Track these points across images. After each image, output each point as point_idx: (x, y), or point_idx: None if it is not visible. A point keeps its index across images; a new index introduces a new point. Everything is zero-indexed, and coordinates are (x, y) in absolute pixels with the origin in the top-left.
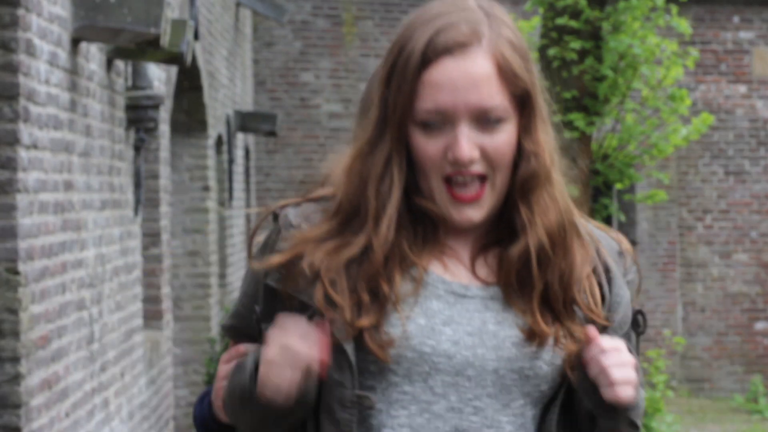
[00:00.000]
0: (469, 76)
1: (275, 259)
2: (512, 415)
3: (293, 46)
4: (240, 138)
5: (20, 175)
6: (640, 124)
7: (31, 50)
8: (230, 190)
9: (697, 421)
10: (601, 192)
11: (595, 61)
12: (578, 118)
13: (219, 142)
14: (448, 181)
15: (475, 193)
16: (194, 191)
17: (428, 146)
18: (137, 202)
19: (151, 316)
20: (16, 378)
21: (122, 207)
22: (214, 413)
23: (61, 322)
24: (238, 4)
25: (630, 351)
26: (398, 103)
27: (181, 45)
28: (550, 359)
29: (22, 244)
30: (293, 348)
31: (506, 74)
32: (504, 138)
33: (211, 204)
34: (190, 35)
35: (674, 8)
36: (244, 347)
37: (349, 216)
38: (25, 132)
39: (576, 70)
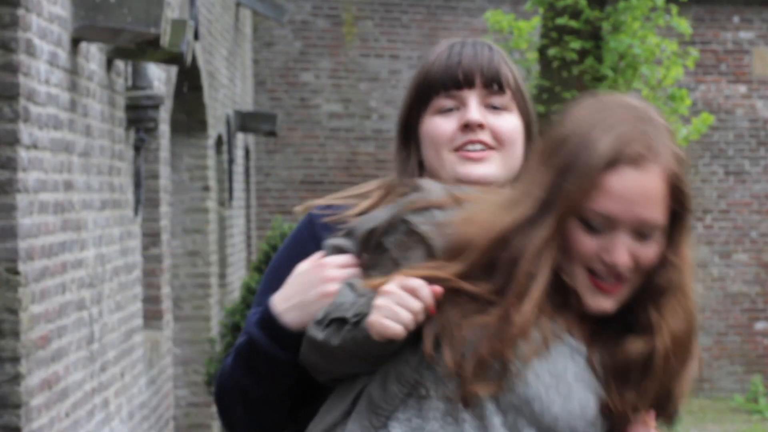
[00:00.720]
0: (645, 193)
1: (377, 281)
2: None
3: (293, 46)
4: (240, 138)
5: (20, 175)
6: None
7: (31, 50)
8: (230, 190)
9: (697, 421)
10: None
11: (595, 61)
12: None
13: (219, 142)
14: (591, 270)
15: (614, 286)
16: (194, 191)
17: (584, 242)
18: (137, 202)
19: (151, 316)
20: (16, 378)
21: (122, 207)
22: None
23: (61, 322)
24: (238, 4)
25: None
26: (571, 198)
27: (181, 45)
28: (602, 425)
29: (22, 244)
30: (407, 289)
31: (674, 194)
32: (654, 249)
33: (211, 204)
34: (190, 35)
35: (674, 8)
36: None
37: (477, 270)
38: (25, 132)
39: (576, 70)
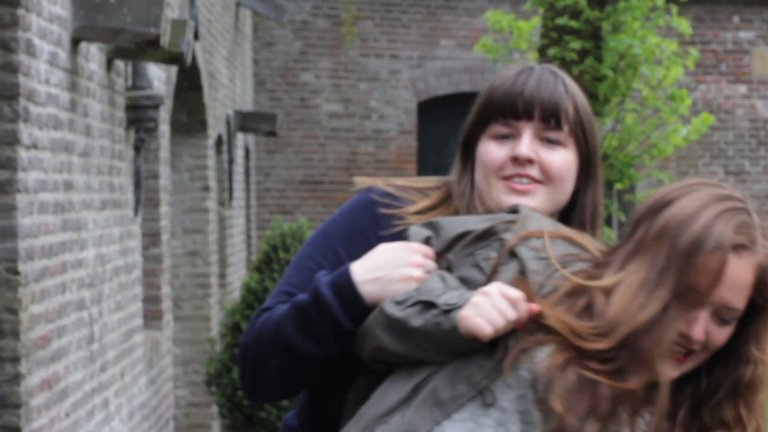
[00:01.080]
0: (737, 280)
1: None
2: None
3: (293, 46)
4: (240, 138)
5: (20, 175)
6: (640, 124)
7: (31, 50)
8: (230, 190)
9: None
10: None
11: (595, 61)
12: None
13: (219, 142)
14: None
15: (684, 357)
16: (194, 191)
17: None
18: (137, 202)
19: (151, 316)
20: (16, 378)
21: (122, 207)
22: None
23: (61, 322)
24: (238, 4)
25: None
26: (701, 296)
27: (181, 45)
28: None
29: (22, 244)
30: (507, 297)
31: (759, 286)
32: (727, 333)
33: (211, 204)
34: (190, 35)
35: (674, 8)
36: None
37: (606, 351)
38: (25, 132)
39: (576, 70)
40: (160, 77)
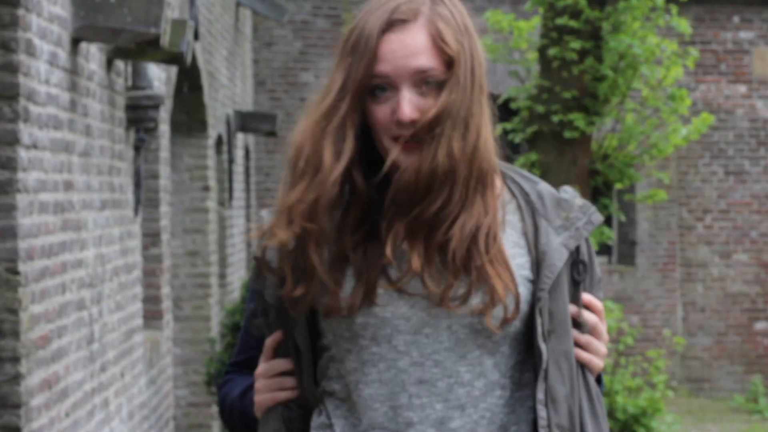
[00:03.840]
0: (400, 49)
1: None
2: (469, 364)
3: (293, 46)
4: (240, 138)
5: (20, 175)
6: (640, 124)
7: (31, 50)
8: (230, 190)
9: (697, 421)
10: (601, 192)
11: (595, 61)
12: (578, 118)
13: (219, 142)
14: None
15: (412, 144)
16: (194, 191)
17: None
18: (137, 202)
19: (151, 316)
20: (16, 378)
21: (122, 207)
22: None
23: (61, 322)
24: (238, 4)
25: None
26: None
27: (181, 45)
28: (500, 315)
29: (22, 244)
30: None
31: (438, 42)
32: (434, 101)
33: (211, 204)
34: (190, 35)
35: (674, 8)
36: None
37: None
38: (25, 132)
39: (576, 70)
40: (160, 77)
